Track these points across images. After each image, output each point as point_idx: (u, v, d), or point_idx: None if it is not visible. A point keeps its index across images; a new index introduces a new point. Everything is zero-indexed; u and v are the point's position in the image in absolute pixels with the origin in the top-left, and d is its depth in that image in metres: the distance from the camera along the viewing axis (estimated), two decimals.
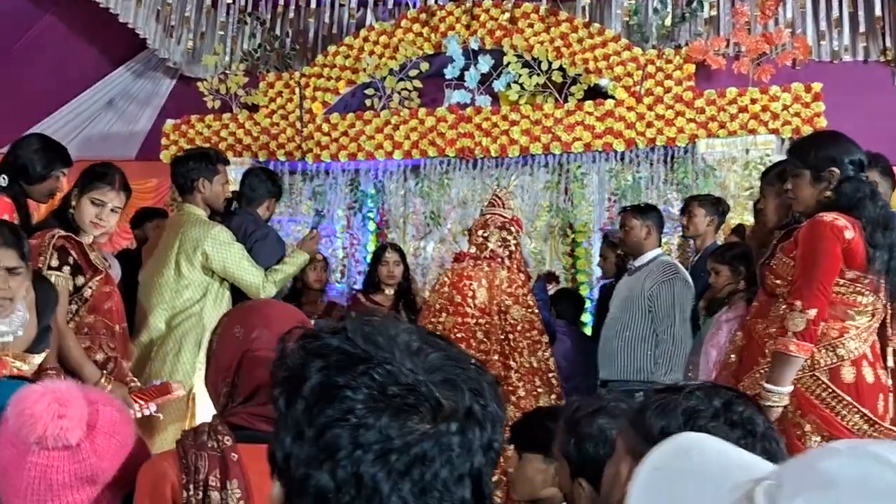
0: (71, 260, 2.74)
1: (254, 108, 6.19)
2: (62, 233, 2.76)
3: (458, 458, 0.68)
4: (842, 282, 2.53)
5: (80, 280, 2.77)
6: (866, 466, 0.50)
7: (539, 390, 3.81)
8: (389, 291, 4.58)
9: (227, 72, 6.27)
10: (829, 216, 2.50)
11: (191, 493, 1.37)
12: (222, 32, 6.52)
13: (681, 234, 5.02)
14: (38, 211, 6.24)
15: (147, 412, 2.79)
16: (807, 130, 5.27)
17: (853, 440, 0.52)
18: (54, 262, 2.70)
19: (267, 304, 1.96)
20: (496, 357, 3.77)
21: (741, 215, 5.16)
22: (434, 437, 0.67)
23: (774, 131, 5.38)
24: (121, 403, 1.43)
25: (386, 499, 0.66)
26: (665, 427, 1.23)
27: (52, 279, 2.66)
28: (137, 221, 4.81)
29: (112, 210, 2.86)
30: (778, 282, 2.66)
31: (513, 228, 3.98)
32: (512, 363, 3.80)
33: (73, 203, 2.83)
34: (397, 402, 0.67)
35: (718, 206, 4.36)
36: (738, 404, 1.27)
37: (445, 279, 4.03)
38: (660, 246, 4.18)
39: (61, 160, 3.05)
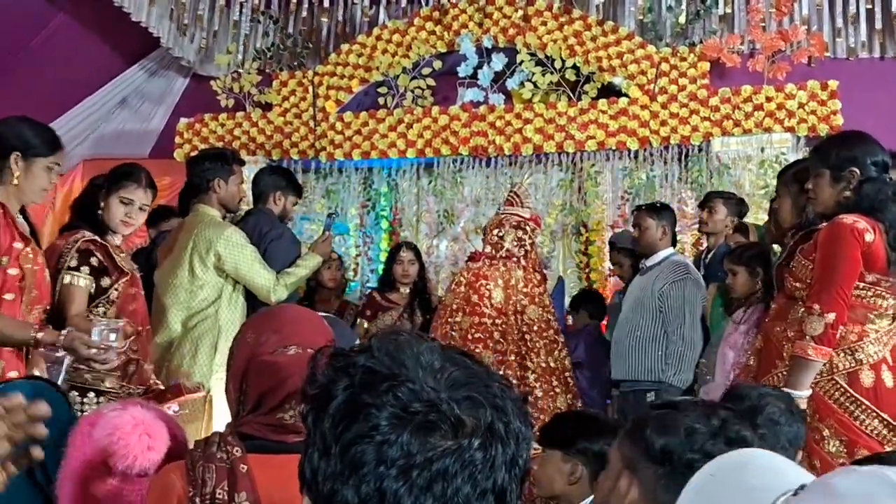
0: (95, 261, 2.76)
1: (267, 107, 6.20)
2: (89, 235, 2.79)
3: (480, 474, 0.69)
4: (862, 285, 2.50)
5: (106, 281, 2.79)
6: (874, 486, 0.52)
7: (556, 390, 3.81)
8: (404, 290, 4.60)
9: (240, 70, 6.28)
10: (849, 218, 2.47)
11: None
12: (235, 31, 6.53)
13: (695, 229, 4.99)
14: (54, 211, 6.29)
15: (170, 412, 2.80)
16: (823, 128, 5.24)
17: (875, 467, 0.54)
18: (73, 263, 2.72)
19: (282, 309, 1.95)
20: (513, 357, 3.77)
21: (756, 214, 5.13)
22: (456, 454, 0.69)
23: (790, 129, 5.35)
24: (179, 426, 1.53)
25: None
26: (666, 446, 1.25)
27: (68, 279, 2.69)
28: (151, 220, 4.82)
29: (140, 208, 2.89)
30: (797, 284, 2.63)
31: (528, 227, 3.97)
32: (529, 363, 3.80)
33: (102, 203, 2.86)
34: (419, 419, 0.69)
35: (740, 208, 4.31)
36: (733, 423, 1.29)
37: (461, 279, 4.03)
38: (674, 245, 4.15)
39: (52, 146, 3.10)
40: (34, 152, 2.51)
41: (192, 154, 6.01)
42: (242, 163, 3.72)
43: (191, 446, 1.47)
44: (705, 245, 4.48)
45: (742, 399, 1.95)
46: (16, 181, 2.47)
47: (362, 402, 0.70)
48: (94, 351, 2.39)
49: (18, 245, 2.43)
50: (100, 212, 2.85)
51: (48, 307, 2.63)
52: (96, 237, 2.80)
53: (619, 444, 1.34)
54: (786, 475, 0.60)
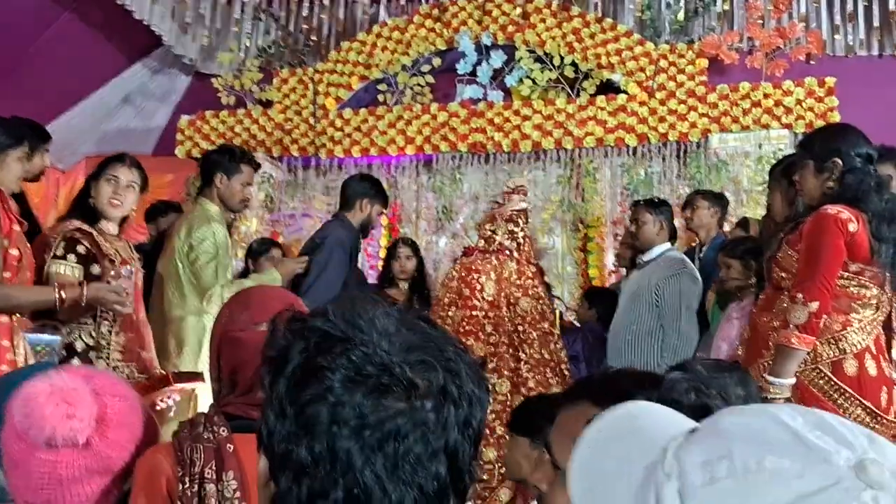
0: (82, 249, 2.80)
1: (268, 104, 6.25)
2: (75, 224, 2.83)
3: (432, 434, 0.71)
4: (846, 275, 2.52)
5: (96, 269, 2.82)
6: (762, 424, 0.53)
7: (551, 381, 3.82)
8: (403, 286, 4.63)
9: (241, 68, 6.34)
10: (833, 209, 2.50)
11: (186, 485, 1.38)
12: (237, 29, 6.57)
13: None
14: (57, 208, 6.33)
15: (164, 405, 2.83)
16: (820, 125, 5.24)
17: (764, 405, 0.56)
18: (59, 252, 2.77)
19: (257, 288, 1.98)
20: (504, 349, 3.79)
21: (754, 210, 5.14)
22: (408, 415, 0.70)
23: (788, 126, 5.36)
24: (128, 390, 1.42)
25: (359, 472, 0.69)
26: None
27: (54, 268, 2.74)
28: (151, 216, 4.87)
29: (127, 186, 2.92)
30: (783, 275, 2.66)
31: (520, 221, 4.00)
32: (522, 355, 3.82)
33: (93, 192, 2.91)
34: (372, 381, 0.70)
35: (721, 199, 4.42)
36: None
37: (454, 273, 4.06)
38: (672, 241, 4.18)
39: (41, 138, 3.20)
40: (5, 145, 2.62)
41: (194, 151, 6.09)
42: (257, 166, 3.69)
43: None
44: (697, 242, 4.51)
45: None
46: None
47: (317, 365, 0.71)
48: (116, 297, 2.66)
49: (17, 227, 2.53)
50: (91, 200, 2.90)
51: None
52: (83, 225, 2.84)
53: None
54: (677, 421, 0.61)
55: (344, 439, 0.69)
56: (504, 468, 3.32)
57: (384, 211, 4.03)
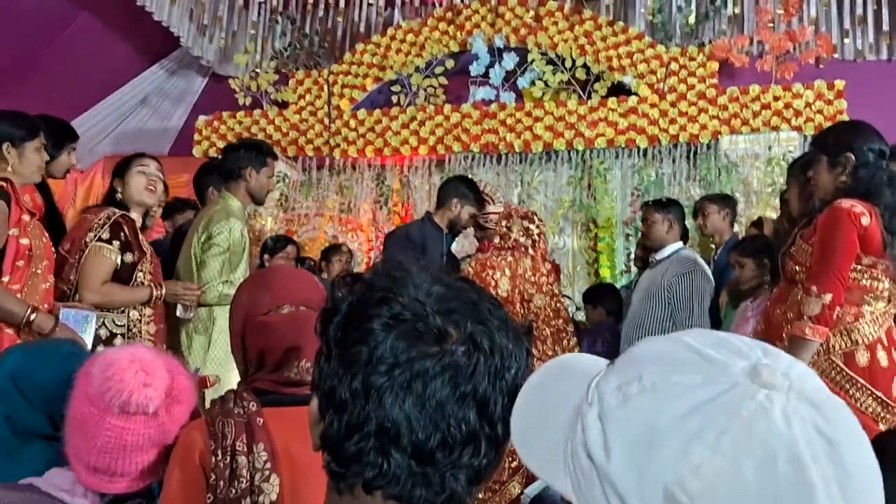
0: (122, 237, 2.89)
1: (283, 105, 6.33)
2: (120, 212, 2.93)
3: (460, 378, 0.76)
4: (858, 267, 2.57)
5: (129, 257, 2.91)
6: (668, 346, 0.59)
7: None
8: None
9: (257, 70, 6.43)
10: (846, 203, 2.55)
11: (219, 458, 1.41)
12: (253, 31, 6.66)
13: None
14: (75, 206, 6.41)
15: None
16: None
17: (676, 333, 0.62)
18: (105, 235, 2.85)
19: (275, 269, 2.00)
20: None
21: (764, 211, 5.20)
22: (436, 357, 0.76)
23: (797, 128, 5.42)
24: (188, 373, 1.50)
25: (389, 408, 0.75)
26: None
27: (98, 248, 2.83)
28: (168, 212, 4.93)
29: (156, 177, 3.06)
30: (797, 268, 2.70)
31: (536, 218, 4.05)
32: (535, 351, 3.87)
33: (119, 189, 3.00)
34: (407, 325, 0.77)
35: (728, 200, 4.44)
36: None
37: (469, 269, 4.11)
38: (684, 240, 4.22)
39: (69, 136, 3.25)
40: (21, 137, 2.69)
41: (210, 151, 6.16)
42: (276, 157, 3.79)
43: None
44: (714, 247, 4.56)
45: None
46: (10, 168, 2.64)
47: (360, 313, 0.79)
48: (189, 292, 3.03)
49: (26, 217, 2.60)
50: (118, 195, 2.99)
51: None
52: (126, 213, 2.94)
53: None
54: (602, 362, 0.68)
55: (377, 376, 0.75)
56: (514, 461, 3.36)
57: (475, 213, 4.16)
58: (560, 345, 3.93)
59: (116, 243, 2.86)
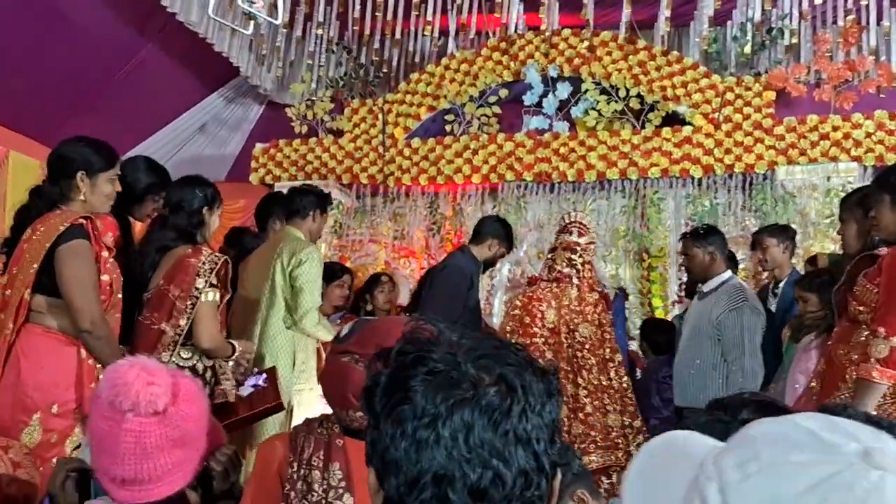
0: (217, 279, 2.93)
1: (338, 133, 6.45)
2: (223, 256, 2.97)
3: (499, 416, 0.81)
4: None
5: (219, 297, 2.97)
6: (785, 428, 0.65)
7: (608, 408, 3.84)
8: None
9: (313, 98, 6.55)
10: None
11: (294, 469, 1.55)
12: (310, 61, 6.80)
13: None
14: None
15: (243, 392, 2.99)
16: (891, 157, 5.22)
17: (788, 416, 0.68)
18: (214, 280, 2.89)
19: (385, 321, 2.07)
20: (563, 375, 3.83)
21: (822, 243, 5.12)
22: (474, 402, 0.81)
23: (857, 159, 5.34)
24: (194, 378, 1.59)
25: (440, 458, 0.80)
26: None
27: (209, 295, 2.88)
28: (227, 240, 5.02)
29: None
30: (861, 308, 2.67)
31: (578, 248, 4.09)
32: (580, 380, 3.86)
33: (200, 222, 3.06)
34: (442, 376, 0.83)
35: (788, 232, 4.29)
36: None
37: (518, 302, 4.18)
38: (734, 268, 4.12)
39: (161, 184, 3.23)
40: (98, 168, 2.66)
41: (267, 178, 6.30)
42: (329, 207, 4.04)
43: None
44: (765, 276, 4.46)
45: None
46: (82, 197, 2.63)
47: (399, 377, 0.85)
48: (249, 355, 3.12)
49: (105, 254, 2.62)
50: (196, 230, 3.03)
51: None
52: (227, 257, 3.00)
53: None
54: (711, 442, 0.73)
55: (423, 429, 0.80)
56: None
57: (507, 254, 4.48)
58: (605, 374, 3.92)
59: (218, 286, 2.91)
